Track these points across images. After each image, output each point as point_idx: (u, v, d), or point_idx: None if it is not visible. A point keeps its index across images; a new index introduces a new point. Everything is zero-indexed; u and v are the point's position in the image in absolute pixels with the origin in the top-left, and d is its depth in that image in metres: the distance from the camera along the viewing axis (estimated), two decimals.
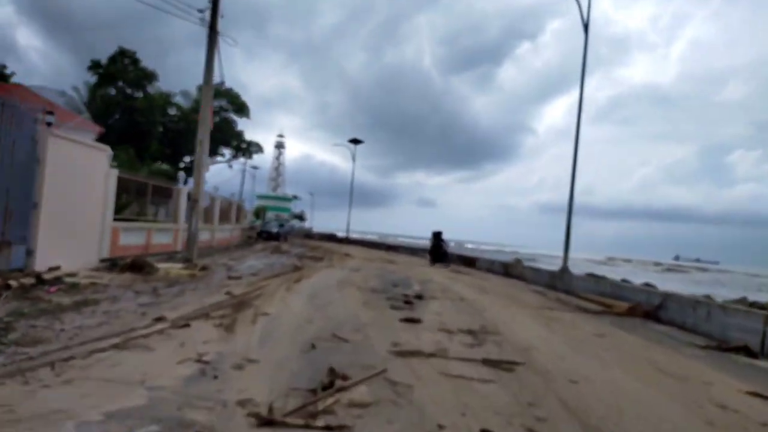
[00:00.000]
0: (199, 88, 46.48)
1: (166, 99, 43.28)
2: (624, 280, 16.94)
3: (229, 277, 11.91)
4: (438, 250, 23.87)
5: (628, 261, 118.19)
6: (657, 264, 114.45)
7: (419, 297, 10.58)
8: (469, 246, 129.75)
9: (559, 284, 16.06)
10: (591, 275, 16.92)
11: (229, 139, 46.00)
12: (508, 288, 15.41)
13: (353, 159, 49.65)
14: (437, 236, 24.33)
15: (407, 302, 9.67)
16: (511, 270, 20.22)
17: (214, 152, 47.40)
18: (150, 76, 42.61)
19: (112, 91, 42.54)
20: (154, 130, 40.35)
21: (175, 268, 12.53)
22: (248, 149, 48.44)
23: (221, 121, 46.17)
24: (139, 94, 41.65)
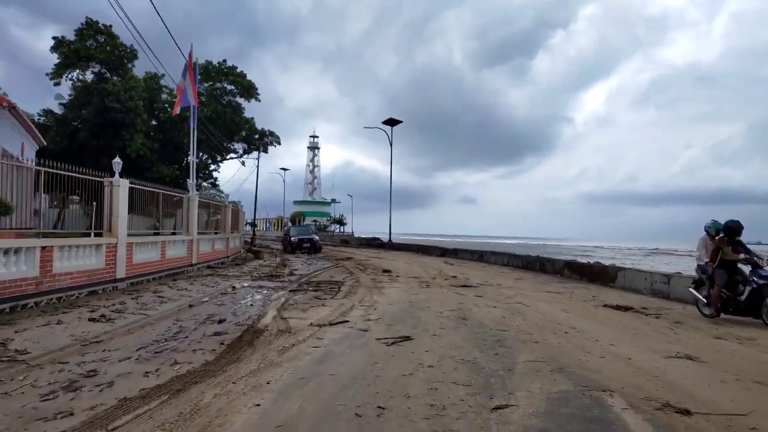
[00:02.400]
0: (203, 68, 36.92)
1: (152, 82, 33.85)
2: None
3: None
4: (734, 272, 8.06)
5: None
6: None
7: None
8: (508, 242, 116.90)
9: None
10: None
11: (235, 128, 36.24)
12: None
13: (390, 143, 39.08)
14: (732, 235, 8.08)
15: None
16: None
17: (222, 147, 37.80)
18: (130, 55, 33.44)
19: (89, 76, 33.83)
20: (136, 120, 30.88)
21: None
22: (261, 140, 38.53)
23: (226, 106, 36.53)
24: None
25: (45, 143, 28.64)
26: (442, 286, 12.22)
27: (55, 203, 13.82)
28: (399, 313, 8.16)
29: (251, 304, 8.90)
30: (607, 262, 21.37)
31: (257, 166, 37.79)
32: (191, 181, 15.15)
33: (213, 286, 11.43)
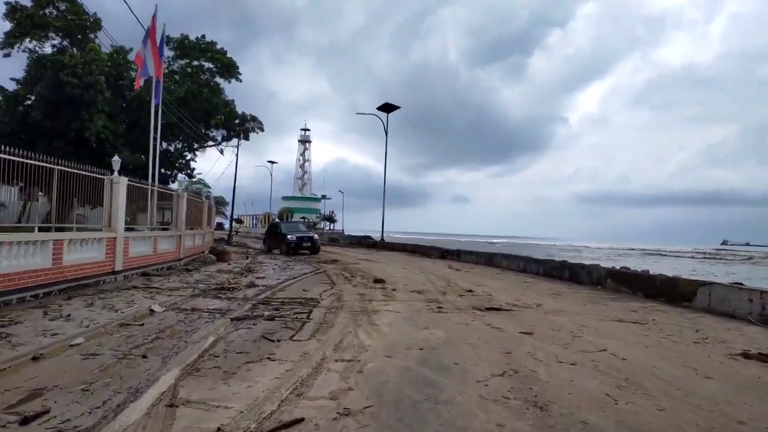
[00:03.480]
0: (178, 43, 32.80)
1: (119, 56, 29.63)
2: None
3: None
4: None
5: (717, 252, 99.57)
6: (718, 252, 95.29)
7: None
8: (495, 242, 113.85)
9: None
10: None
11: (212, 111, 32.08)
12: None
13: (385, 131, 35.14)
14: None
15: None
16: None
17: (196, 133, 33.66)
18: (93, 25, 29.29)
19: (49, 50, 29.64)
20: (96, 97, 26.71)
21: None
22: (242, 125, 34.43)
23: (202, 85, 32.40)
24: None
25: None
26: (461, 310, 8.34)
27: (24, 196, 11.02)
28: (405, 384, 4.27)
29: (144, 356, 4.99)
30: (601, 263, 17.72)
31: (236, 155, 33.77)
32: (117, 159, 11.03)
33: (120, 310, 7.48)
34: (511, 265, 18.39)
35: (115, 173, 10.66)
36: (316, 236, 25.11)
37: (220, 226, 65.63)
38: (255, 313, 7.47)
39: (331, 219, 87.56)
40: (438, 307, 8.44)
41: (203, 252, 18.88)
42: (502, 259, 19.44)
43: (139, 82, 20.30)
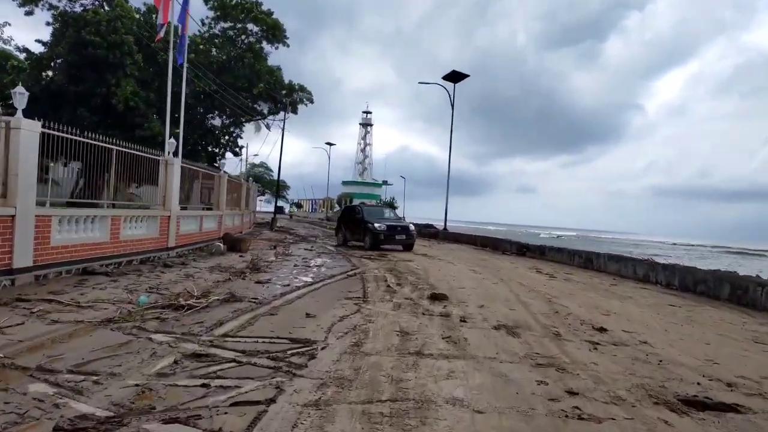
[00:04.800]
0: (218, 2, 29.33)
1: (150, 14, 26.48)
2: None
3: None
4: None
5: None
6: None
7: None
8: (566, 234, 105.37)
9: None
10: None
11: (255, 79, 28.37)
12: None
13: (452, 105, 30.26)
14: None
15: None
16: None
17: (238, 106, 30.13)
18: None
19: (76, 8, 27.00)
20: (124, 60, 23.67)
21: None
22: (290, 95, 30.57)
23: (246, 50, 28.75)
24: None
25: None
26: (625, 404, 3.61)
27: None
28: None
29: None
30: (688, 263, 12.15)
31: (282, 129, 30.04)
32: (22, 89, 6.92)
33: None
34: (624, 270, 13.19)
35: (18, 112, 6.67)
36: (411, 226, 18.12)
37: (281, 210, 63.55)
38: (136, 403, 3.18)
39: (391, 206, 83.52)
40: (569, 394, 3.75)
41: (219, 238, 15.08)
42: (608, 263, 14.24)
43: (161, 34, 16.91)
